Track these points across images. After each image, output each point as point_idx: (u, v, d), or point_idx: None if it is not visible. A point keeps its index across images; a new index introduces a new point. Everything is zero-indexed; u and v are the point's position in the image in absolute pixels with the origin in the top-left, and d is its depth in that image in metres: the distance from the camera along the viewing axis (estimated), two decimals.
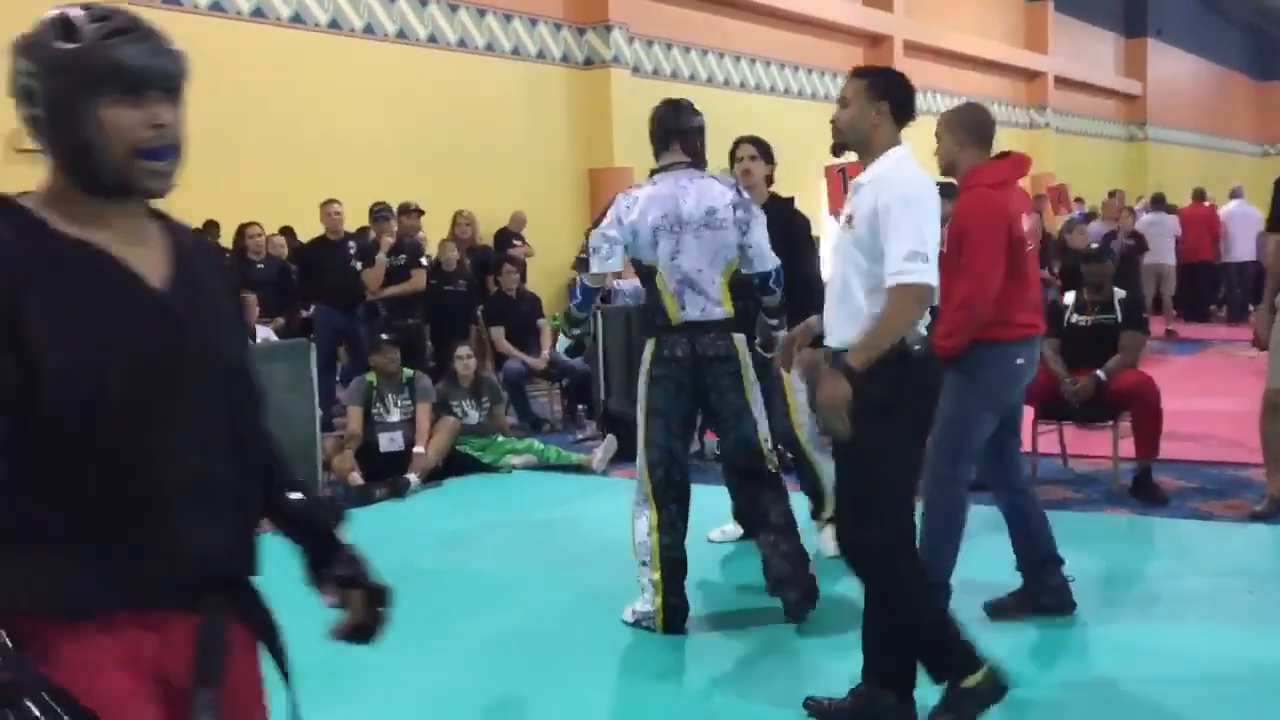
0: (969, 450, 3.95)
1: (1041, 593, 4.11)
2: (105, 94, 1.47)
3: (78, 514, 1.46)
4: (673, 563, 4.12)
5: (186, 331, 1.54)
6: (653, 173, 4.22)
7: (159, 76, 1.51)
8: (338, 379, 8.90)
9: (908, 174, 3.15)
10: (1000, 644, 3.97)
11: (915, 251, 3.00)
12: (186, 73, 1.56)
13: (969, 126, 4.03)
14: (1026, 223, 4.00)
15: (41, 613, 1.44)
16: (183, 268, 1.58)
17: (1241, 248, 14.62)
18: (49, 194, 1.52)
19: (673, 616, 4.11)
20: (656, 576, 4.11)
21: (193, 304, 1.57)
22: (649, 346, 4.16)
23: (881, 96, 3.21)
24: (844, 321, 3.17)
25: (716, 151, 4.69)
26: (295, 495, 1.76)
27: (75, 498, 1.46)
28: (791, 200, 5.05)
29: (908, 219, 3.03)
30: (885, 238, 3.05)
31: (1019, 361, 3.92)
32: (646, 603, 4.15)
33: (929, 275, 3.02)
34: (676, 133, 4.18)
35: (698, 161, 4.21)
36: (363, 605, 1.73)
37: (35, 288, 1.42)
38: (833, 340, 3.21)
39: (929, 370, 3.16)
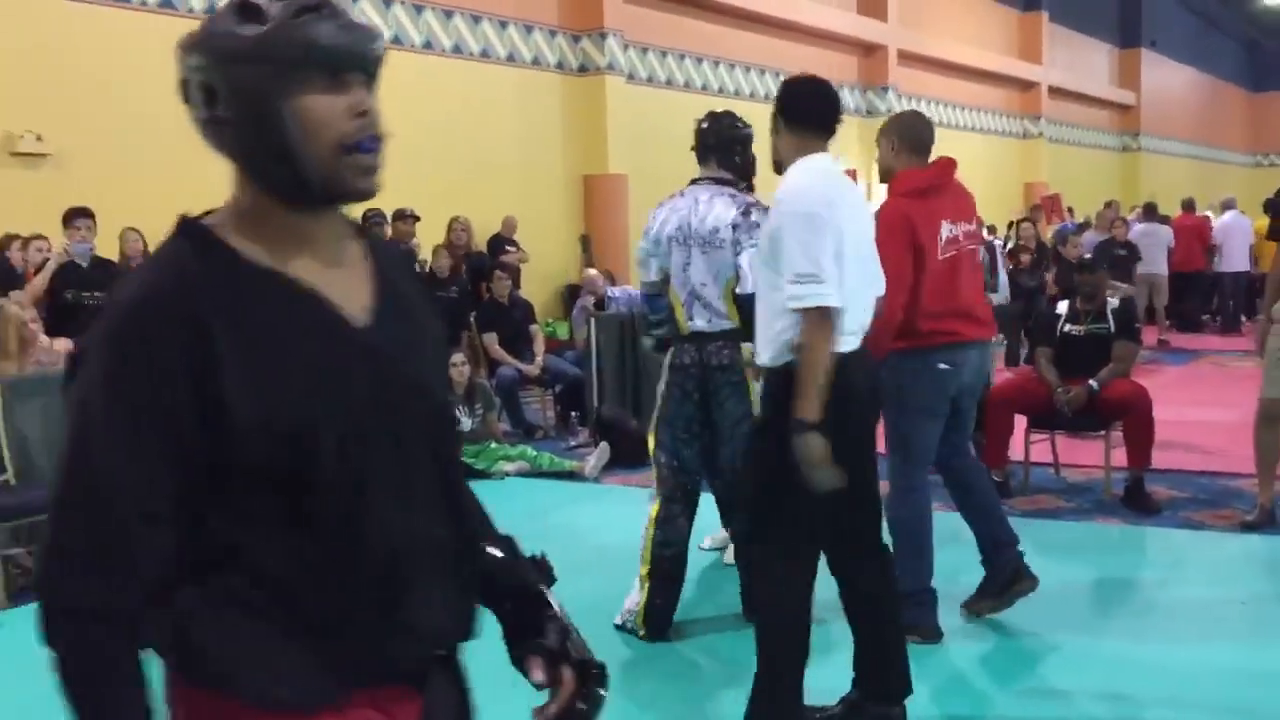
0: (917, 459, 3.97)
1: (1004, 572, 4.12)
2: (302, 82, 1.25)
3: (295, 589, 1.26)
4: (663, 561, 4.11)
5: (397, 373, 1.33)
6: (691, 183, 4.27)
7: (358, 57, 1.29)
8: None
9: (803, 188, 3.06)
10: (988, 654, 3.98)
11: (803, 274, 2.92)
12: (384, 52, 1.34)
13: (905, 134, 4.02)
14: (954, 229, 3.97)
15: (266, 704, 1.25)
16: (387, 293, 1.37)
17: (1235, 258, 14.66)
18: (236, 211, 1.31)
19: (655, 618, 4.10)
20: (644, 571, 4.12)
21: (401, 339, 1.35)
22: (668, 354, 4.23)
23: (777, 111, 3.16)
24: (765, 342, 3.12)
25: None
26: (495, 551, 1.49)
27: (290, 570, 1.26)
28: None
29: (794, 239, 2.95)
30: (778, 260, 2.99)
31: (941, 366, 3.90)
32: (634, 599, 4.15)
33: (823, 295, 2.90)
34: (713, 147, 4.22)
35: (741, 173, 4.24)
36: (575, 686, 1.43)
37: (228, 330, 1.21)
38: (761, 359, 3.17)
39: (833, 386, 2.95)
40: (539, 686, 1.44)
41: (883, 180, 4.12)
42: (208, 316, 1.21)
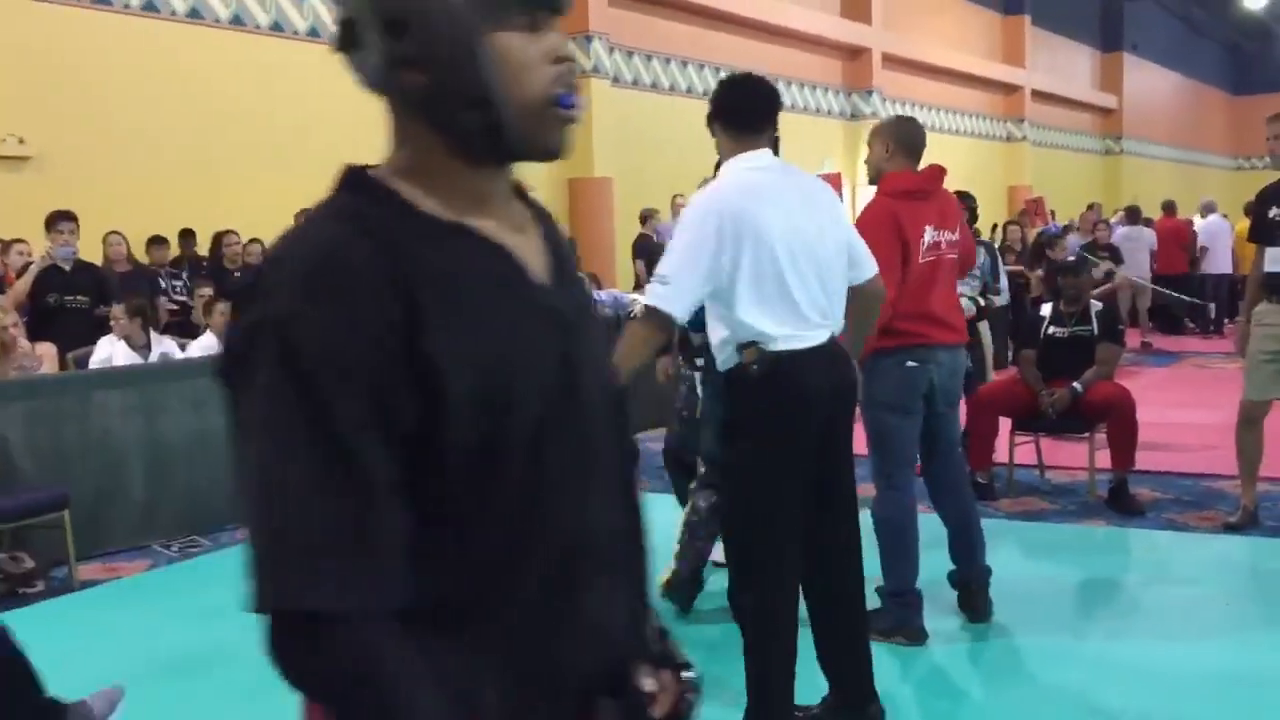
0: (895, 457, 3.98)
1: (970, 571, 4.20)
2: (501, 17, 1.09)
3: (482, 587, 1.10)
4: (693, 526, 4.39)
5: (580, 343, 1.19)
6: None
7: None
8: None
9: (711, 191, 3.06)
10: (972, 655, 3.99)
11: (660, 274, 2.93)
12: None
13: (898, 137, 4.05)
14: (936, 235, 4.00)
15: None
16: (558, 262, 1.22)
17: (1218, 261, 14.75)
18: (402, 167, 1.14)
19: (676, 585, 4.36)
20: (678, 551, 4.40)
21: (579, 310, 1.22)
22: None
23: (710, 112, 3.15)
24: (716, 348, 3.11)
25: (705, 164, 4.70)
26: None
27: (480, 566, 1.10)
28: None
29: (675, 239, 2.98)
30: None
31: (909, 364, 3.92)
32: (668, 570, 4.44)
33: (660, 299, 2.89)
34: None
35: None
36: (675, 690, 1.31)
37: (427, 283, 1.05)
38: (717, 364, 3.19)
39: (774, 387, 2.94)
40: (647, 695, 1.28)
41: (872, 182, 4.13)
42: (404, 268, 1.04)
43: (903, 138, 4.05)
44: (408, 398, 1.03)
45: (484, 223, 1.14)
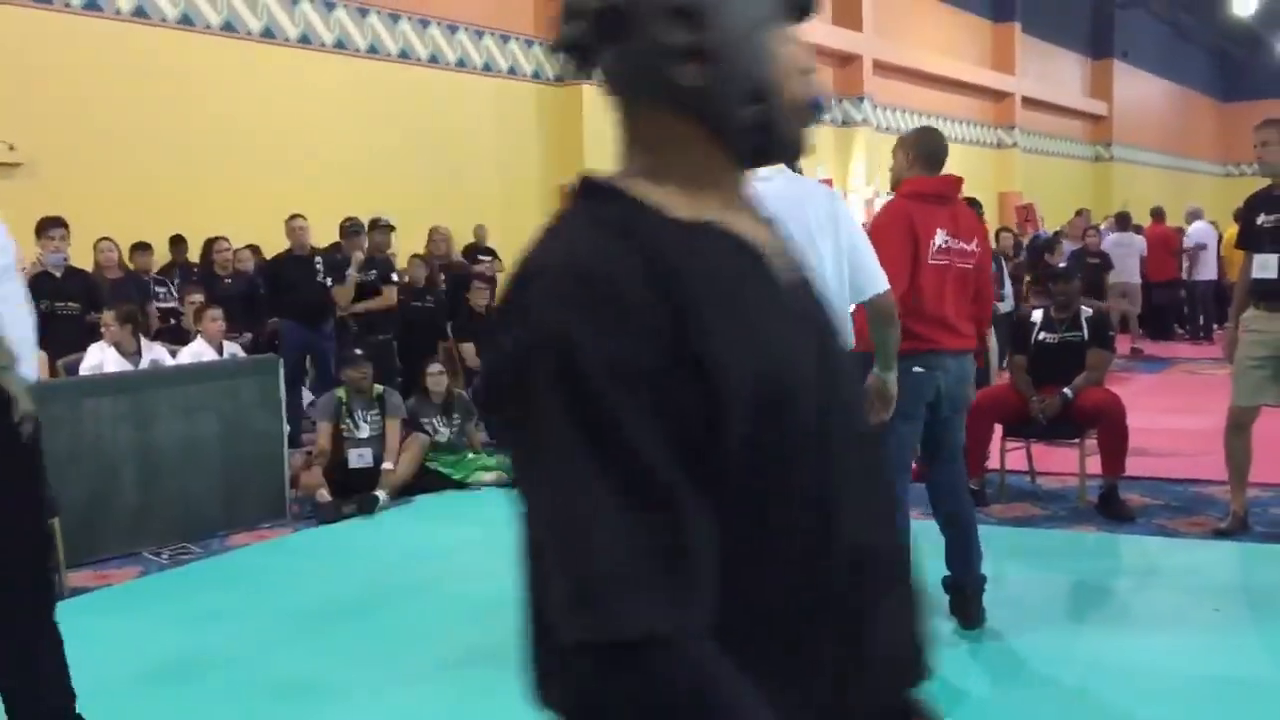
0: (892, 464, 4.00)
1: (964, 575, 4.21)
2: (776, 15, 1.07)
3: (772, 607, 1.02)
4: None
5: (834, 344, 1.14)
6: None
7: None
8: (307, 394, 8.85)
9: None
10: (962, 659, 4.00)
11: None
12: None
13: (921, 147, 4.19)
14: (948, 241, 4.07)
15: None
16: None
17: (1206, 267, 14.80)
18: (650, 169, 1.08)
19: None
20: None
21: (822, 309, 1.16)
22: None
23: None
24: None
25: None
26: None
27: (769, 585, 1.02)
28: None
29: None
30: None
31: (916, 370, 3.95)
32: None
33: None
34: None
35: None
36: None
37: (694, 293, 0.99)
38: None
39: None
40: None
41: (893, 188, 4.32)
42: (668, 273, 0.98)
43: (923, 148, 4.19)
44: (691, 407, 0.97)
45: (736, 223, 1.09)
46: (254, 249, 9.37)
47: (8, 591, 3.02)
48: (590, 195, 1.08)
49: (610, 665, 0.92)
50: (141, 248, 8.75)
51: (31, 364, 3.27)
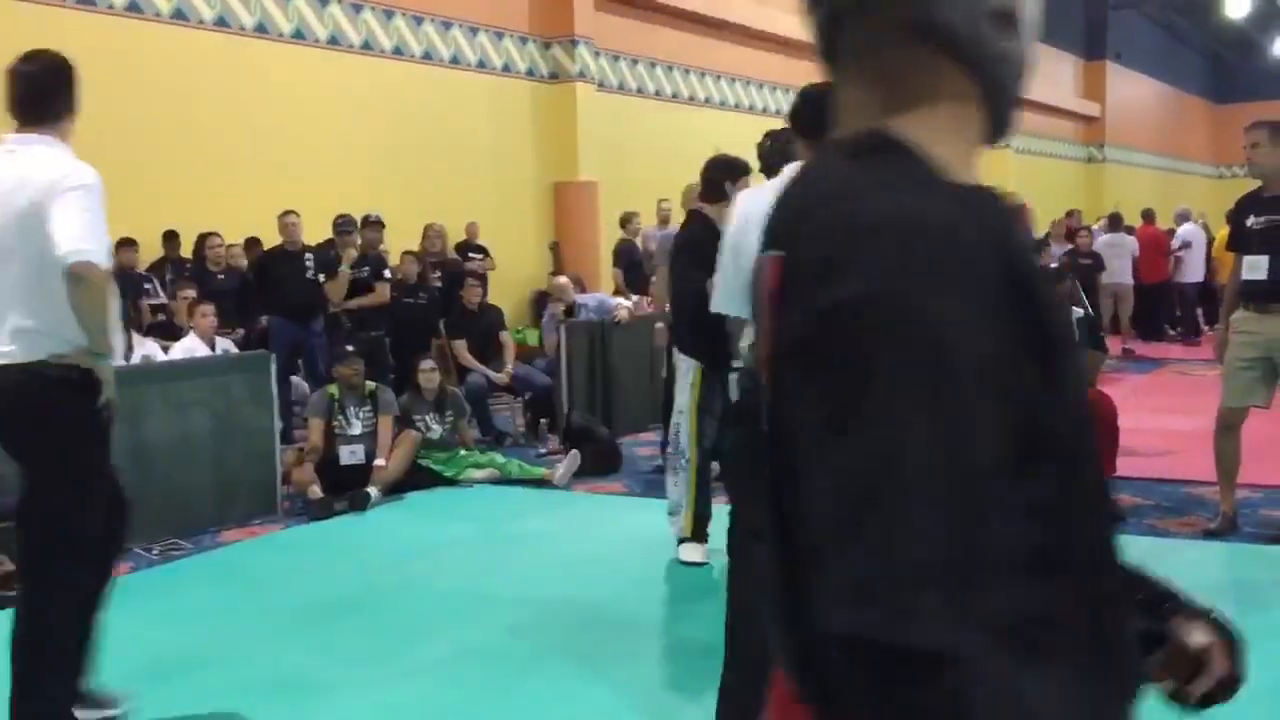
0: None
1: None
2: None
3: (1080, 595, 0.96)
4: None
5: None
6: None
7: None
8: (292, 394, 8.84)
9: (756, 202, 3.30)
10: None
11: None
12: None
13: None
14: None
15: None
16: None
17: (1194, 269, 14.85)
18: (932, 131, 1.01)
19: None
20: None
21: None
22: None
23: (795, 128, 3.32)
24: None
25: (690, 169, 4.70)
26: None
27: (1073, 574, 0.96)
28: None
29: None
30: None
31: None
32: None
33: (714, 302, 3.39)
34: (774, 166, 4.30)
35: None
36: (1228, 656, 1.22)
37: (1019, 262, 0.94)
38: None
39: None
40: (1197, 653, 1.15)
41: None
42: (1001, 240, 0.93)
43: None
44: (1030, 385, 0.90)
45: None
46: (254, 241, 9.34)
47: (62, 564, 3.19)
48: (882, 150, 0.98)
49: (902, 669, 0.82)
50: (127, 243, 8.70)
51: (118, 350, 3.58)
